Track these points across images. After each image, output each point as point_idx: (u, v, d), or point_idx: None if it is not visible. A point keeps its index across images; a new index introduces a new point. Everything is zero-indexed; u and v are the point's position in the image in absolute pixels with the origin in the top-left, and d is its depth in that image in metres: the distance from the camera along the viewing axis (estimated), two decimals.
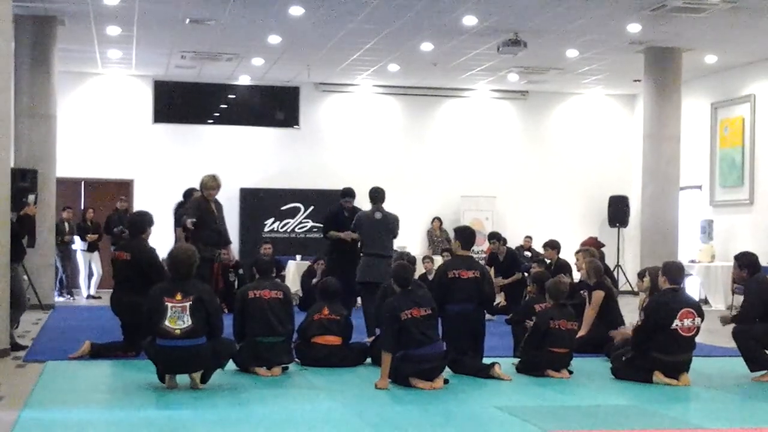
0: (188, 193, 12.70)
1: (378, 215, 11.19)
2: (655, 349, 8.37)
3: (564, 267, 13.30)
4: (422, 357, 7.95)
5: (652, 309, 8.51)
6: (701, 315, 8.49)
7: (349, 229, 11.55)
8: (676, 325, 8.31)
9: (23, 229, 10.46)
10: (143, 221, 9.92)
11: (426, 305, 8.16)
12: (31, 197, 11.11)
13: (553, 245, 13.94)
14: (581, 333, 10.12)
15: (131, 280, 9.49)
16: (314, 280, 14.98)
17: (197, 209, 11.15)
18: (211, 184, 11.34)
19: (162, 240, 14.09)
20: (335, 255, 12.04)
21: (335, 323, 9.29)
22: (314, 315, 9.34)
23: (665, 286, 8.57)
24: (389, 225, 11.18)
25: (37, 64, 15.62)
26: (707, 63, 18.31)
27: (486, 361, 8.80)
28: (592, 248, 11.98)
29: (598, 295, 10.42)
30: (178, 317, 7.63)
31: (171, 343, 7.61)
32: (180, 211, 12.48)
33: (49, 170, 15.63)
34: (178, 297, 7.68)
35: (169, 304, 7.65)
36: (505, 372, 8.60)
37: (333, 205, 12.81)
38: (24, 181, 14.58)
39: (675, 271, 8.63)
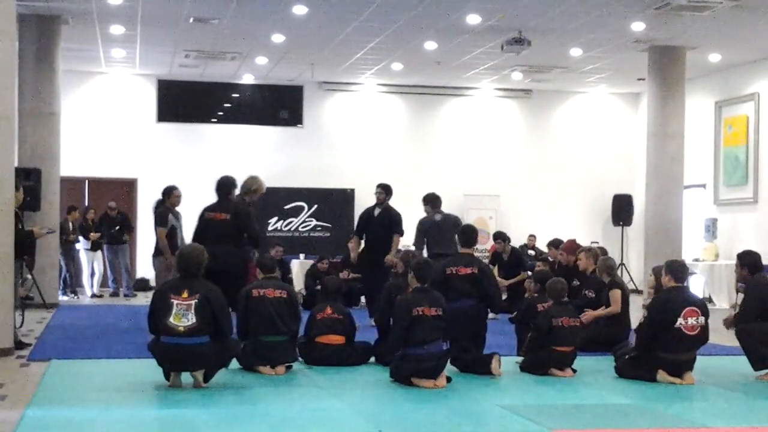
0: (168, 191, 12.55)
1: (438, 217, 12.17)
2: (659, 348, 8.36)
3: (568, 265, 13.27)
4: (422, 356, 7.93)
5: (655, 307, 8.49)
6: (706, 313, 8.47)
7: (378, 229, 12.39)
8: (680, 324, 8.29)
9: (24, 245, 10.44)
10: (230, 184, 11.08)
11: (437, 306, 8.15)
12: (44, 230, 11.18)
13: (556, 244, 13.93)
14: (588, 318, 10.08)
15: (229, 237, 10.56)
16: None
17: None
18: (255, 187, 11.52)
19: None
20: (368, 256, 12.31)
21: (338, 322, 9.29)
22: (317, 314, 9.35)
23: (669, 285, 8.56)
24: (451, 224, 11.65)
25: (41, 63, 15.64)
26: (711, 61, 18.29)
27: None
28: (594, 248, 11.93)
29: (617, 293, 10.39)
30: (182, 315, 7.64)
31: (175, 340, 7.62)
32: (159, 210, 12.41)
33: (53, 169, 15.66)
34: (184, 295, 7.69)
35: (175, 302, 7.67)
36: (509, 371, 8.59)
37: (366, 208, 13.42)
38: (28, 180, 14.61)
39: (678, 270, 8.61)
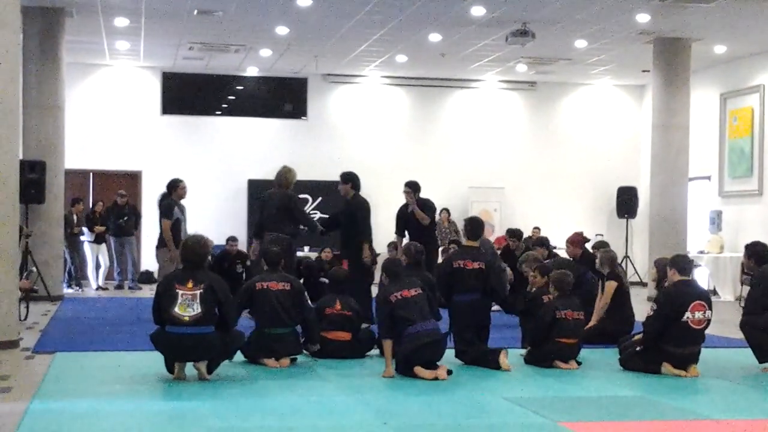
0: (173, 184, 12.54)
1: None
2: (665, 342, 8.35)
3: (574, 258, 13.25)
4: (418, 334, 7.99)
5: (664, 300, 8.47)
6: (711, 307, 8.47)
7: (418, 225, 12.34)
8: (687, 318, 8.28)
9: None
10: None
11: (414, 286, 8.30)
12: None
13: (541, 243, 14.01)
14: (591, 323, 10.15)
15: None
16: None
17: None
18: (293, 179, 11.95)
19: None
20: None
21: (347, 320, 9.23)
22: (326, 309, 9.29)
23: (674, 279, 8.54)
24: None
25: (46, 56, 15.64)
26: (716, 53, 18.25)
27: None
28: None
29: (611, 285, 10.42)
30: (188, 305, 7.66)
31: (180, 330, 7.63)
32: (165, 202, 12.39)
33: (58, 162, 15.68)
34: (189, 285, 7.71)
35: (180, 291, 7.69)
36: (513, 363, 8.60)
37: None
38: (33, 172, 14.64)
39: (683, 263, 8.60)
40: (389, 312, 8.12)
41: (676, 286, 8.47)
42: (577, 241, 12.23)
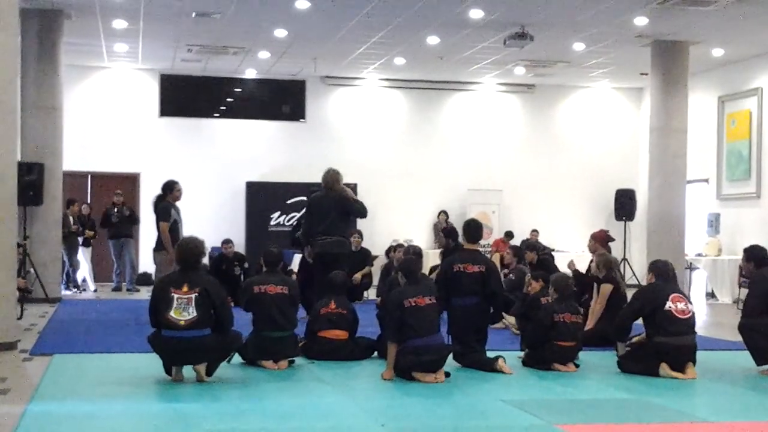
0: (169, 186, 12.47)
1: None
2: (657, 334, 8.40)
3: (546, 262, 13.27)
4: (422, 348, 7.95)
5: (641, 292, 8.76)
6: (690, 302, 8.64)
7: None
8: (669, 307, 8.39)
9: None
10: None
11: (430, 294, 8.24)
12: None
13: (531, 247, 14.04)
14: (588, 326, 10.17)
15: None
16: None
17: None
18: (342, 179, 11.51)
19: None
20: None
21: (342, 317, 9.29)
22: (321, 309, 9.35)
23: (652, 281, 8.80)
24: None
25: (44, 58, 15.63)
26: (714, 56, 18.27)
27: (491, 354, 8.79)
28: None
29: (606, 288, 10.45)
30: (183, 308, 7.65)
31: (176, 334, 7.63)
32: (162, 205, 12.31)
33: (56, 164, 15.67)
34: (185, 288, 7.71)
35: (175, 295, 7.68)
36: (511, 366, 8.60)
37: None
38: (31, 174, 14.64)
39: (660, 268, 8.79)
40: (399, 317, 8.06)
41: (654, 282, 8.73)
42: (599, 237, 12.18)
